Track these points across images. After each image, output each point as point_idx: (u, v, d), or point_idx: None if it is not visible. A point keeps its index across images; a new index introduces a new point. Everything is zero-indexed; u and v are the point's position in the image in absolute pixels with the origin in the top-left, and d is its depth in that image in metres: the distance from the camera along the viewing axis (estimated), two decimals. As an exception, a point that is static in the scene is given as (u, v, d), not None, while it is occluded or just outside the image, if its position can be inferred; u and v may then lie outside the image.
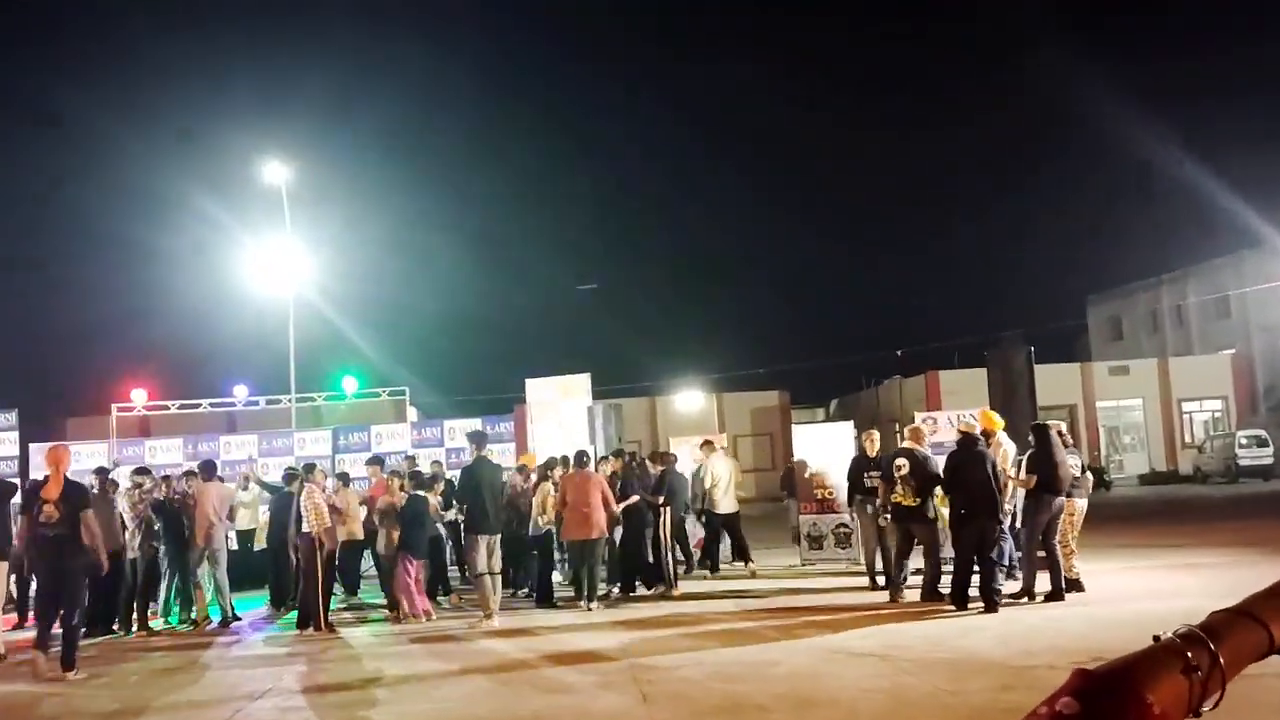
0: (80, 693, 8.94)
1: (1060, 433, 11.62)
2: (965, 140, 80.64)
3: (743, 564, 14.67)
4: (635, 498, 13.29)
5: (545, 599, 12.84)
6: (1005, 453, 11.61)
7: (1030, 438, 11.33)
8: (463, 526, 12.15)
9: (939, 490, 11.64)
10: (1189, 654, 1.02)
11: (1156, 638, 1.07)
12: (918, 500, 11.38)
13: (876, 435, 12.93)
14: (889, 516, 11.78)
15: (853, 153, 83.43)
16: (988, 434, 11.46)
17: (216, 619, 12.67)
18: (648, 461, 14.34)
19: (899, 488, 11.47)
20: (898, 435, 13.03)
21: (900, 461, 11.59)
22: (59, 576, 9.59)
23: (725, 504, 14.76)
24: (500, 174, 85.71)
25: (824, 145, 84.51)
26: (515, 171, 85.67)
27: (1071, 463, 11.40)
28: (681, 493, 14.03)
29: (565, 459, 13.80)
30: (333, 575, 12.90)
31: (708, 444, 15.42)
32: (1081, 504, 11.65)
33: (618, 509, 12.92)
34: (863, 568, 13.19)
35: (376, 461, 15.19)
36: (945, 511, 12.27)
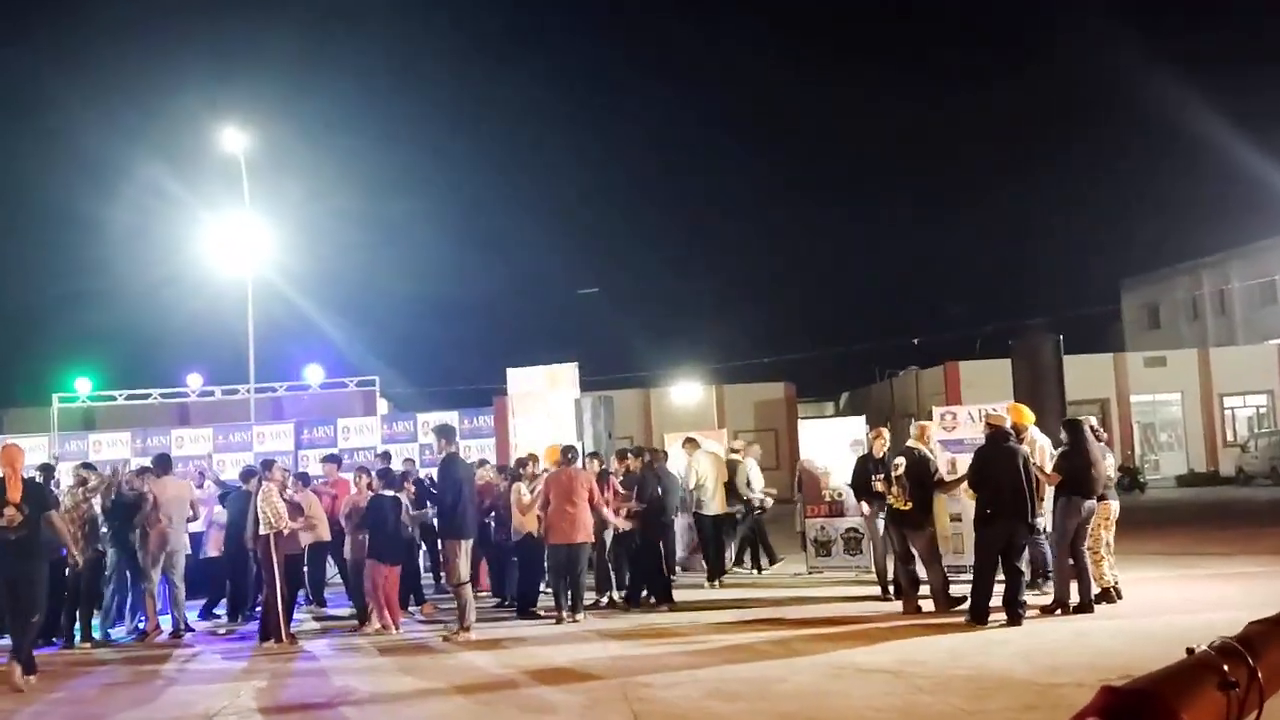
0: (27, 709, 8.94)
1: (1093, 428, 11.68)
2: (988, 112, 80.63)
3: (711, 576, 14.71)
4: (635, 504, 13.36)
5: (527, 609, 12.87)
6: (1041, 449, 11.64)
7: (1062, 434, 11.37)
8: (440, 530, 12.14)
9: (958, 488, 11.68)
10: (1225, 668, 1.03)
11: (1190, 651, 1.08)
12: (910, 504, 11.41)
13: (886, 434, 12.88)
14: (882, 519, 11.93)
15: (866, 126, 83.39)
16: (1018, 429, 11.51)
17: (168, 629, 12.67)
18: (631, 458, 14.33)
19: (894, 488, 11.52)
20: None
21: (897, 460, 11.64)
22: (18, 581, 9.75)
23: (713, 505, 14.78)
24: (482, 143, 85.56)
25: (836, 116, 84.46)
26: (498, 141, 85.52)
27: (1107, 461, 11.47)
28: (673, 494, 14.06)
29: (534, 456, 13.86)
30: (296, 582, 12.91)
31: (690, 442, 15.49)
32: (1115, 505, 11.72)
33: (609, 515, 12.96)
34: (874, 576, 13.23)
35: (333, 460, 15.27)
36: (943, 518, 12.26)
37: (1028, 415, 11.80)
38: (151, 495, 12.76)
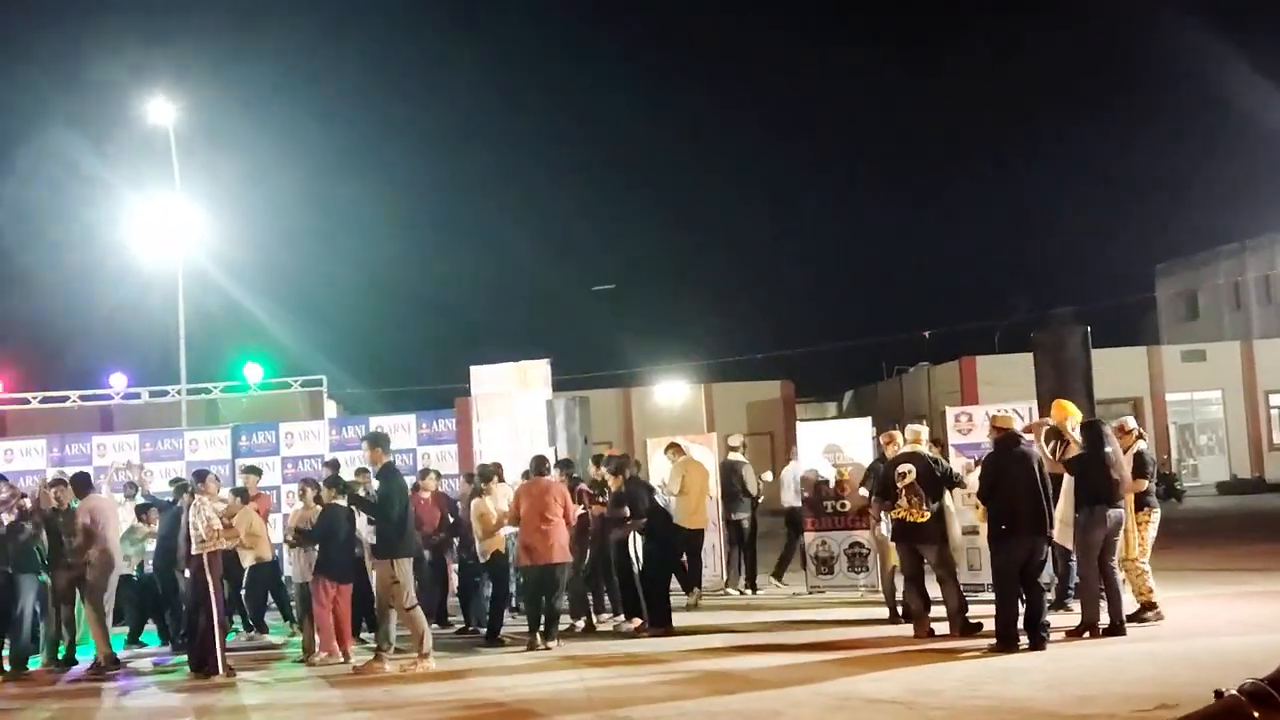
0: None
1: (1132, 430, 11.79)
2: (1007, 80, 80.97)
3: (688, 592, 14.80)
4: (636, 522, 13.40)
5: (495, 636, 12.87)
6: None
7: (1078, 435, 11.38)
8: (383, 549, 11.89)
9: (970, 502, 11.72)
10: (1256, 715, 1.02)
11: (1219, 694, 1.07)
12: (927, 514, 11.45)
13: (899, 436, 12.88)
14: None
15: (874, 100, 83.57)
16: (1061, 429, 11.54)
17: (87, 659, 12.61)
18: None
19: (902, 500, 11.55)
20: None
21: (905, 468, 11.64)
22: None
23: (693, 518, 14.76)
24: (442, 116, 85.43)
25: (840, 89, 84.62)
26: (460, 113, 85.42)
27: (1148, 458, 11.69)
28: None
29: (497, 465, 13.91)
30: (232, 606, 12.86)
31: (674, 447, 15.51)
32: (1157, 514, 11.82)
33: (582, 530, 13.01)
34: (880, 595, 13.27)
35: (253, 471, 15.21)
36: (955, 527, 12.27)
37: (1073, 411, 11.76)
38: (89, 512, 12.65)
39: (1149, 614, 11.44)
